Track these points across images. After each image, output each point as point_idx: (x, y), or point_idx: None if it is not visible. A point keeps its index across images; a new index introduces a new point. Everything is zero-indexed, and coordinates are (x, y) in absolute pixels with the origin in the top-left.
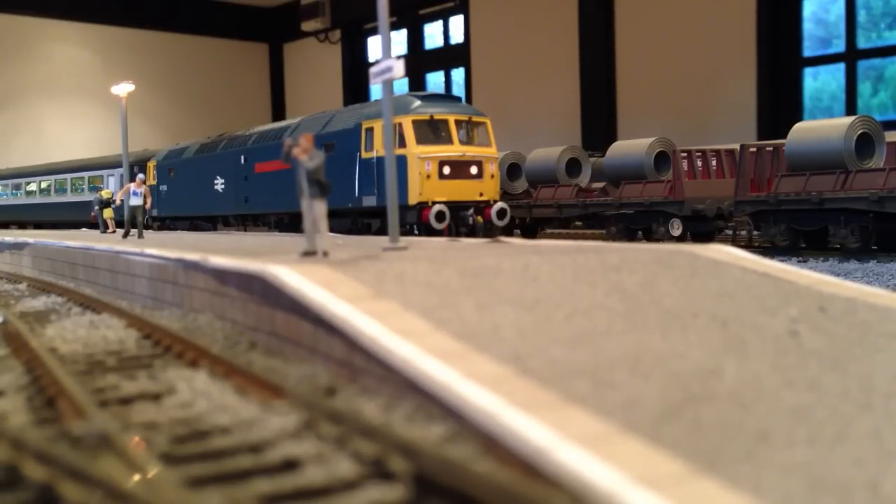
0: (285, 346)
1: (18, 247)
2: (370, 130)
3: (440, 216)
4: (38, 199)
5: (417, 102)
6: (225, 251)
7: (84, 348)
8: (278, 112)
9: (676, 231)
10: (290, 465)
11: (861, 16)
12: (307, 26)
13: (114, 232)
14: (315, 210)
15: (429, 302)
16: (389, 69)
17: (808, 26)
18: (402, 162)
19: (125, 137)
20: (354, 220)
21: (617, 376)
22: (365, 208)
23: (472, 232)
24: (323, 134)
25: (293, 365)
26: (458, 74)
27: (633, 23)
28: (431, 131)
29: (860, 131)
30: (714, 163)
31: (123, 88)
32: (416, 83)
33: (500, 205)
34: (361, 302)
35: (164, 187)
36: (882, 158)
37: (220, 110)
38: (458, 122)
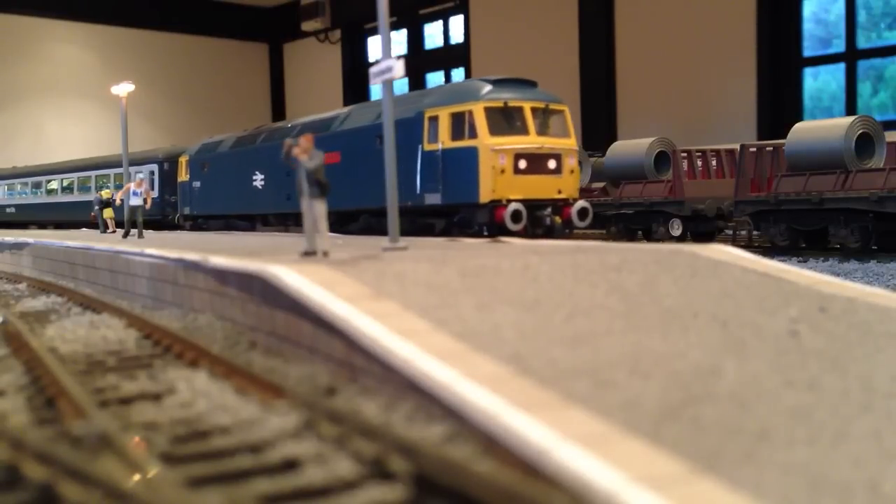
0: (285, 345)
1: (18, 247)
2: (434, 120)
3: (517, 216)
4: (59, 198)
5: (489, 87)
6: (225, 251)
7: (84, 348)
8: (278, 112)
9: (676, 231)
10: (290, 465)
11: (861, 16)
12: (307, 26)
13: (114, 232)
14: (315, 210)
15: (429, 302)
16: (389, 69)
17: (808, 26)
18: (471, 154)
19: (125, 137)
20: (413, 219)
21: (617, 376)
22: (427, 207)
23: (548, 233)
24: (376, 124)
25: (293, 365)
26: (458, 74)
27: (633, 23)
28: (505, 120)
29: (860, 131)
30: (714, 163)
31: (123, 88)
32: (416, 83)
33: (581, 203)
34: (361, 302)
35: (196, 184)
36: (882, 158)
37: (220, 110)
38: (534, 110)
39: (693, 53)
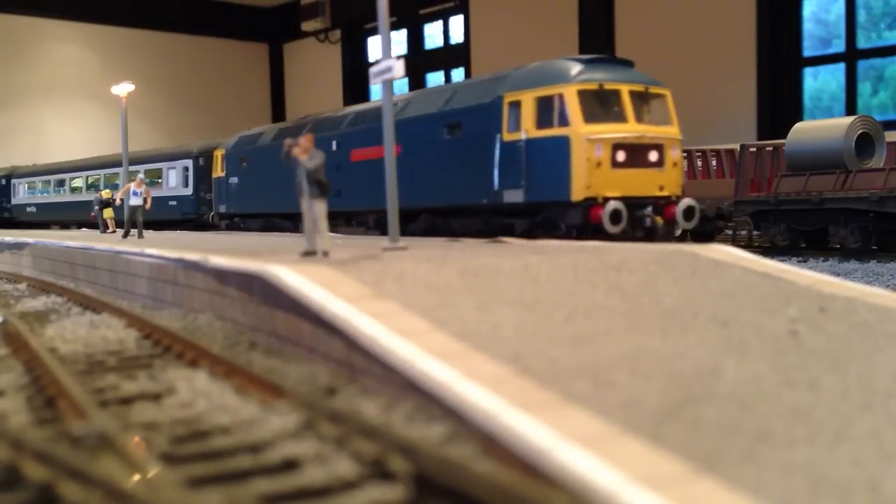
0: (285, 345)
1: (18, 247)
2: (516, 105)
3: (616, 216)
4: (84, 196)
5: (580, 67)
6: (225, 251)
7: (84, 348)
8: (278, 112)
9: (677, 231)
10: (290, 465)
11: (861, 16)
12: (307, 26)
13: (114, 232)
14: (315, 210)
15: (429, 302)
16: (389, 69)
17: (808, 26)
18: (561, 145)
19: (125, 137)
20: (488, 219)
21: (617, 376)
22: (506, 205)
23: (649, 236)
24: (444, 112)
25: (293, 365)
26: (458, 74)
27: (633, 23)
28: (600, 105)
29: (860, 131)
30: (714, 163)
31: (123, 88)
32: (416, 83)
33: (687, 201)
34: (361, 302)
35: (234, 180)
36: (882, 158)
37: (220, 110)
38: (632, 94)
39: (693, 53)
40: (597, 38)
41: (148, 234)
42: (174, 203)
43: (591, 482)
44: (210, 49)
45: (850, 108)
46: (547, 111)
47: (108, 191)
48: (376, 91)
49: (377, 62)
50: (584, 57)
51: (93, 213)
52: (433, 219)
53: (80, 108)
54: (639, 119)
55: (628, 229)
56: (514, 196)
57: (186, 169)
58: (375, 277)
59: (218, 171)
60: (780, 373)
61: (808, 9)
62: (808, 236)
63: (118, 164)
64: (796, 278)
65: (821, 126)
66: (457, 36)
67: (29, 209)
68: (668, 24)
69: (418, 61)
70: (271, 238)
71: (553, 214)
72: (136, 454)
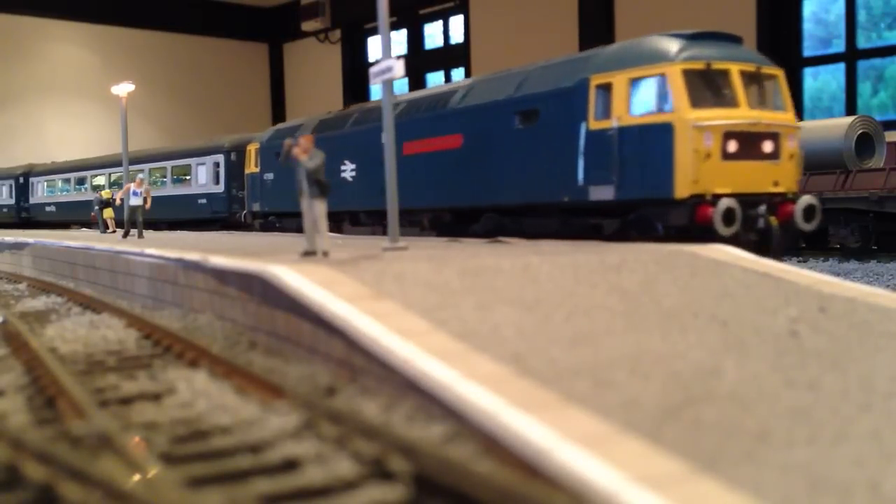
0: (285, 345)
1: (18, 247)
2: (605, 89)
3: (729, 216)
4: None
5: (683, 43)
6: (225, 251)
7: (84, 348)
8: (278, 112)
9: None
10: (290, 465)
11: (861, 16)
12: (307, 26)
13: (114, 232)
14: (315, 210)
15: (429, 302)
16: (389, 69)
17: (808, 26)
18: (663, 133)
19: (125, 137)
20: (567, 219)
21: (617, 376)
22: (592, 203)
23: (764, 240)
24: (516, 98)
25: (293, 365)
26: (458, 74)
27: (633, 23)
28: (707, 87)
29: (860, 131)
30: None
31: (123, 88)
32: (416, 83)
33: (807, 199)
34: (361, 302)
35: (269, 176)
36: (882, 158)
37: (220, 110)
38: (742, 74)
39: None
40: (597, 39)
41: (148, 234)
42: (203, 201)
43: (591, 482)
44: (210, 49)
45: (850, 108)
46: (645, 95)
47: (108, 191)
48: (376, 91)
49: (377, 62)
50: (686, 32)
51: (93, 213)
52: (499, 219)
53: (80, 108)
54: (751, 103)
55: (741, 232)
56: (603, 193)
57: (217, 165)
58: (375, 277)
59: (251, 167)
60: (780, 373)
61: (808, 9)
62: (808, 236)
63: (142, 160)
64: (796, 278)
65: (821, 126)
66: (457, 36)
67: (48, 208)
68: (668, 25)
69: (418, 61)
70: (271, 238)
71: (649, 214)
72: (136, 454)
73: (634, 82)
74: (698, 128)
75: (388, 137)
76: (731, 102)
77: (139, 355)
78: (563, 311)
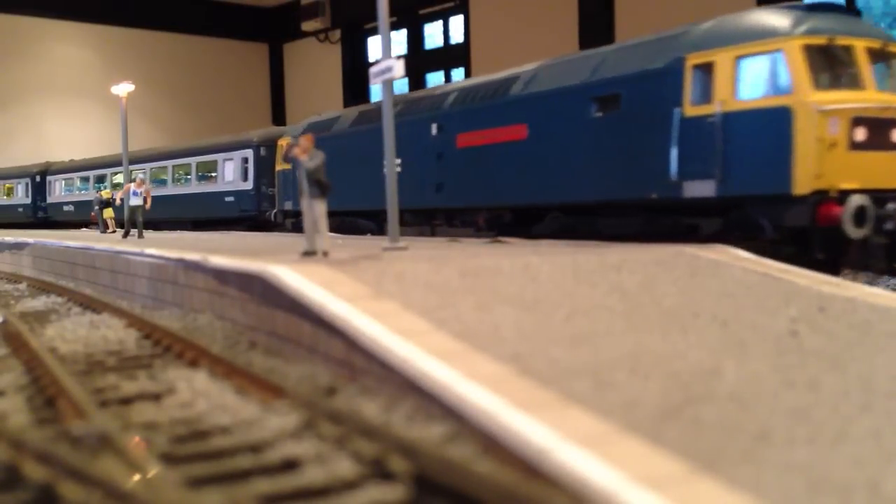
0: (285, 345)
1: (18, 247)
2: (704, 69)
3: (861, 216)
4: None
5: (800, 14)
6: (225, 251)
7: (84, 348)
8: (278, 112)
9: None
10: (290, 465)
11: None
12: (307, 26)
13: (114, 232)
14: (315, 210)
15: (429, 302)
16: (389, 69)
17: None
18: (778, 119)
19: (125, 137)
20: (653, 218)
21: (617, 376)
22: (686, 200)
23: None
24: (592, 83)
25: (293, 365)
26: (458, 74)
27: (633, 23)
28: (830, 66)
29: None
30: None
31: (123, 88)
32: (416, 83)
33: None
34: (361, 302)
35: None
36: None
37: (221, 110)
38: (869, 52)
39: None
40: (597, 40)
41: (148, 234)
42: (231, 199)
43: (590, 482)
44: (210, 49)
45: None
46: (756, 75)
47: (107, 191)
48: (376, 91)
49: (377, 62)
50: (799, 3)
51: (93, 213)
52: (567, 218)
53: (80, 108)
54: (880, 85)
55: (871, 234)
56: (701, 188)
57: (245, 160)
58: (375, 277)
59: (283, 163)
60: (780, 373)
61: None
62: None
63: (164, 157)
64: (796, 278)
65: None
66: (457, 36)
67: (66, 208)
68: (668, 26)
69: (418, 61)
70: (271, 238)
71: (758, 212)
72: (136, 454)
73: (742, 61)
74: (823, 112)
75: (387, 137)
76: (857, 84)
77: (139, 355)
78: (563, 311)
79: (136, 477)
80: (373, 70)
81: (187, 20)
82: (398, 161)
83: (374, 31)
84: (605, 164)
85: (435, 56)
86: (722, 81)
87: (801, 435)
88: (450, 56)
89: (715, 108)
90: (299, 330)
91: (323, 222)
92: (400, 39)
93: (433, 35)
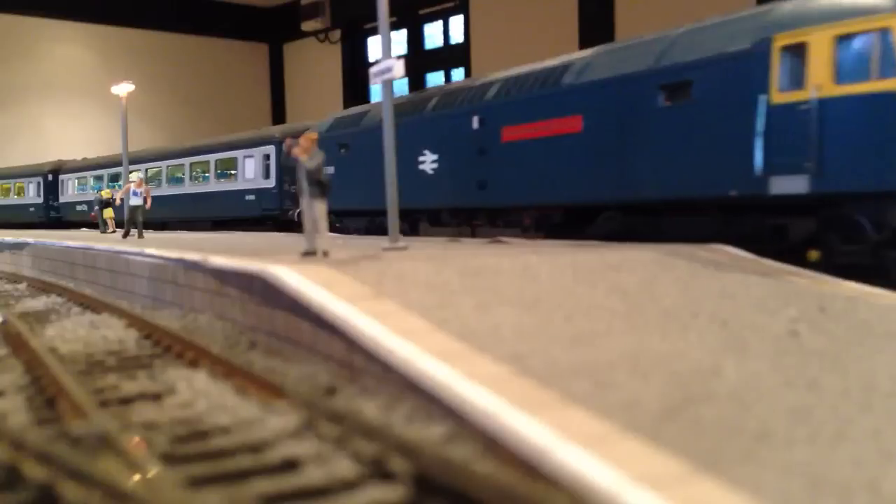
0: (285, 345)
1: (18, 247)
2: (795, 51)
3: None
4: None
5: None
6: (225, 251)
7: (84, 348)
8: (278, 112)
9: None
10: (289, 465)
11: None
12: (307, 26)
13: (114, 232)
14: (315, 210)
15: (429, 302)
16: (389, 69)
17: None
18: (886, 104)
19: (125, 137)
20: (731, 219)
21: (617, 376)
22: (771, 198)
23: None
24: (660, 69)
25: (293, 365)
26: (458, 74)
27: (634, 23)
28: None
29: None
30: None
31: (123, 88)
32: (416, 83)
33: None
34: (361, 302)
35: (329, 170)
36: None
37: (220, 110)
38: None
39: None
40: (597, 40)
41: (148, 234)
42: (251, 197)
43: (591, 482)
44: (210, 49)
45: None
46: (859, 56)
47: (107, 191)
48: (376, 91)
49: (377, 62)
50: None
51: (93, 213)
52: (625, 218)
53: (80, 108)
54: None
55: None
56: (791, 184)
57: (267, 157)
58: (375, 277)
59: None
60: (780, 373)
61: None
62: None
63: (181, 154)
64: (796, 278)
65: None
66: (457, 36)
67: (79, 208)
68: (668, 26)
69: (418, 61)
70: (271, 238)
71: (858, 211)
72: (136, 454)
73: (843, 41)
74: None
75: (387, 137)
76: None
77: (139, 355)
78: (563, 311)
79: (136, 477)
80: (373, 70)
81: (187, 20)
82: (433, 157)
83: (374, 31)
84: (673, 159)
85: (435, 56)
86: (817, 64)
87: (801, 435)
88: (450, 56)
89: (809, 93)
90: (299, 330)
91: (323, 222)
92: (400, 39)
93: (433, 35)
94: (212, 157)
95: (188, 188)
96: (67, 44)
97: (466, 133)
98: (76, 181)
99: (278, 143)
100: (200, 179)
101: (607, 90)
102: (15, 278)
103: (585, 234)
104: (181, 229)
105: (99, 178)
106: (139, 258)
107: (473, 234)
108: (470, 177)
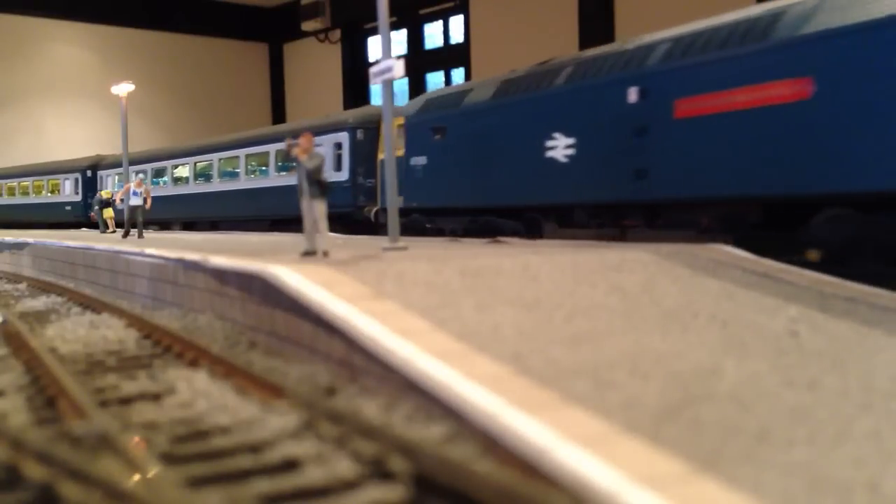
0: (285, 345)
1: (18, 247)
2: None
3: None
4: (189, 188)
5: None
6: (225, 251)
7: (84, 348)
8: (278, 112)
9: None
10: (289, 465)
11: None
12: (307, 26)
13: (114, 232)
14: (315, 210)
15: (429, 302)
16: (389, 69)
17: None
18: None
19: (125, 137)
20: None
21: (617, 376)
22: None
23: None
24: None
25: (293, 365)
26: (458, 74)
27: (634, 24)
28: None
29: None
30: None
31: (123, 88)
32: (416, 83)
33: None
34: (361, 302)
35: (419, 160)
36: None
37: (220, 110)
38: None
39: None
40: (597, 40)
41: (148, 234)
42: None
43: (591, 482)
44: (210, 49)
45: None
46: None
47: (107, 190)
48: (376, 91)
49: (377, 62)
50: None
51: (92, 213)
52: (863, 220)
53: (80, 108)
54: None
55: None
56: None
57: (339, 146)
58: (375, 277)
59: (394, 150)
60: (780, 373)
61: None
62: None
63: (235, 145)
64: (796, 278)
65: None
66: (457, 36)
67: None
68: (668, 26)
69: (418, 61)
70: (271, 238)
71: None
72: (136, 454)
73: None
74: None
75: (387, 136)
76: None
77: (139, 355)
78: (563, 310)
79: (136, 477)
80: (373, 70)
81: (187, 20)
82: (567, 142)
83: (374, 31)
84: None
85: (435, 56)
86: None
87: (801, 435)
88: (450, 56)
89: None
90: (299, 330)
91: (323, 222)
92: (400, 39)
93: (433, 35)
94: (272, 148)
95: (244, 184)
96: (67, 44)
97: (618, 109)
98: (116, 178)
99: (352, 130)
100: (258, 173)
101: (851, 41)
102: (15, 278)
103: (803, 240)
104: (241, 230)
105: (142, 174)
106: (139, 258)
107: (623, 237)
108: (623, 164)
